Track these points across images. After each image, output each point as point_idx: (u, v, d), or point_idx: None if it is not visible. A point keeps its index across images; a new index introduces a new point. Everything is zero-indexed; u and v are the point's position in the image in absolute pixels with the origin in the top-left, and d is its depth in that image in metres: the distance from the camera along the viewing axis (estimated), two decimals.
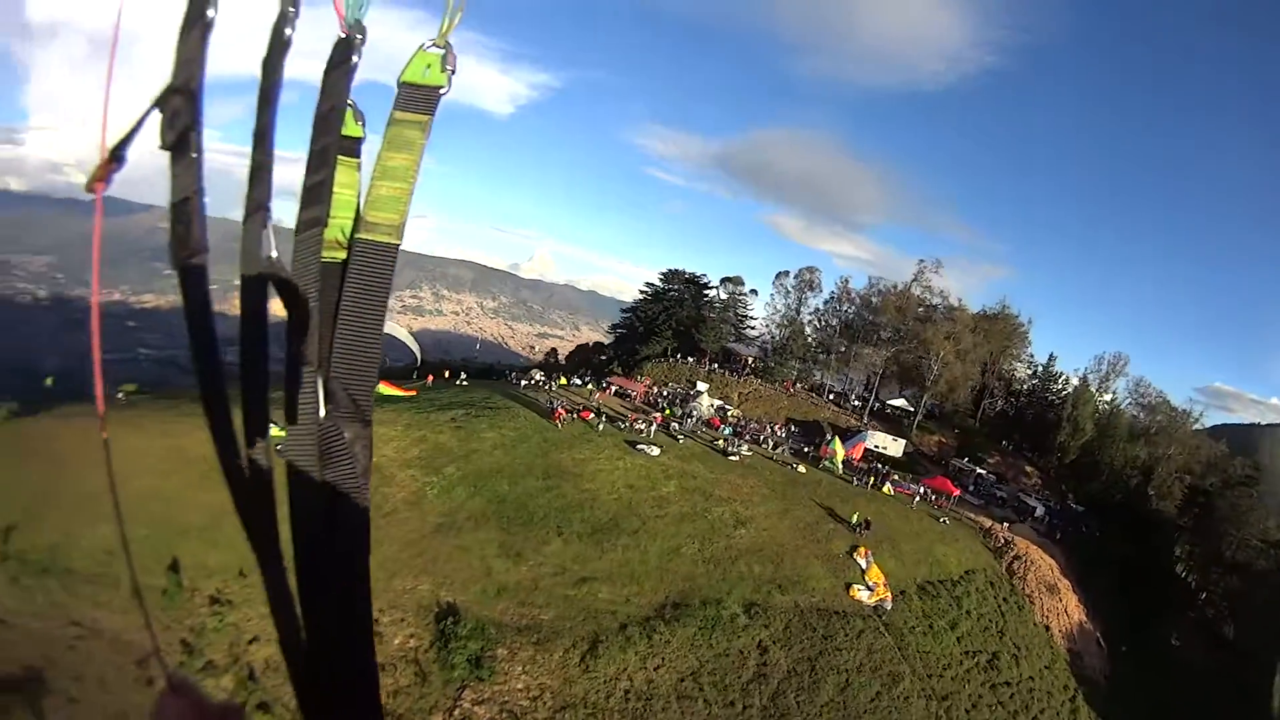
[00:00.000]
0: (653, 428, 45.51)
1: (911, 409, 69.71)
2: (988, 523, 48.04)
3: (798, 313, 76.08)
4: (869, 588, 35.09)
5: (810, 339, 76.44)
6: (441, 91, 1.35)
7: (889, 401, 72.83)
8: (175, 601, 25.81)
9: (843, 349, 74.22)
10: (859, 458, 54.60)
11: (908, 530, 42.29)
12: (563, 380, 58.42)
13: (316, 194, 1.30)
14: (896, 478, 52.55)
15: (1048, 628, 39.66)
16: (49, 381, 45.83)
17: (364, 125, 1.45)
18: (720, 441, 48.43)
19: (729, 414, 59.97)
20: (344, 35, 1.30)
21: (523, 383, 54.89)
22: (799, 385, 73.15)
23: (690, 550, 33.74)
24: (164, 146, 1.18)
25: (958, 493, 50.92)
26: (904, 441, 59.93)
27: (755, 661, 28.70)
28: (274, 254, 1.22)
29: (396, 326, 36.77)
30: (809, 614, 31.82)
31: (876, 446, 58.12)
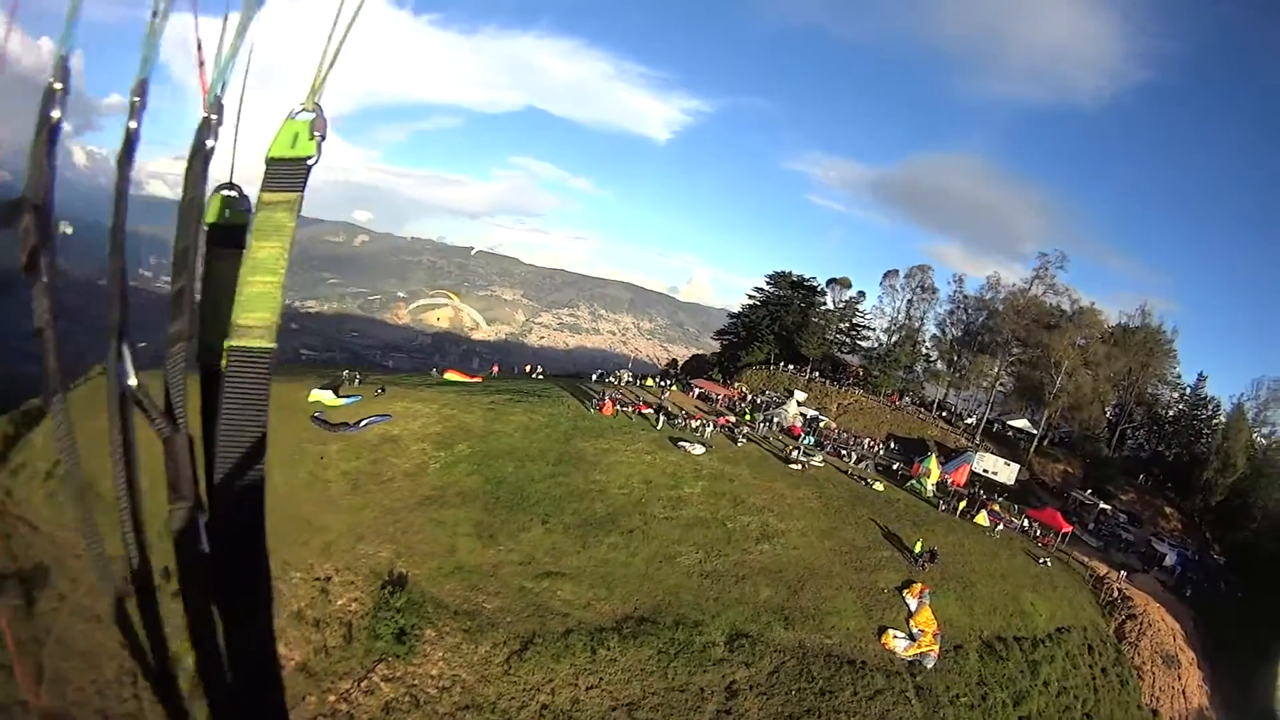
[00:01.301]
0: (709, 428, 38.96)
1: (1035, 432, 55.38)
2: (1102, 569, 35.25)
3: (907, 316, 63.82)
4: (910, 636, 25.41)
5: (921, 347, 63.71)
6: (310, 162, 1.11)
7: (1009, 422, 58.33)
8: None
9: (958, 360, 61.00)
10: (961, 482, 42.90)
11: (990, 570, 31.10)
12: (649, 381, 52.87)
13: (178, 305, 1.15)
14: (998, 507, 40.49)
15: (1155, 712, 28.02)
16: (142, 345, 52.54)
17: (249, 209, 1.24)
18: (790, 449, 40.28)
19: (821, 424, 50.70)
20: (204, 115, 1.16)
21: (594, 377, 50.23)
22: (906, 399, 60.87)
23: (689, 560, 26.89)
24: (23, 269, 1.13)
25: (1068, 529, 38.00)
26: (1018, 467, 46.81)
27: (716, 706, 20.90)
28: (133, 383, 1.21)
29: (470, 309, 36.11)
30: (813, 658, 23.21)
31: (985, 471, 45.75)
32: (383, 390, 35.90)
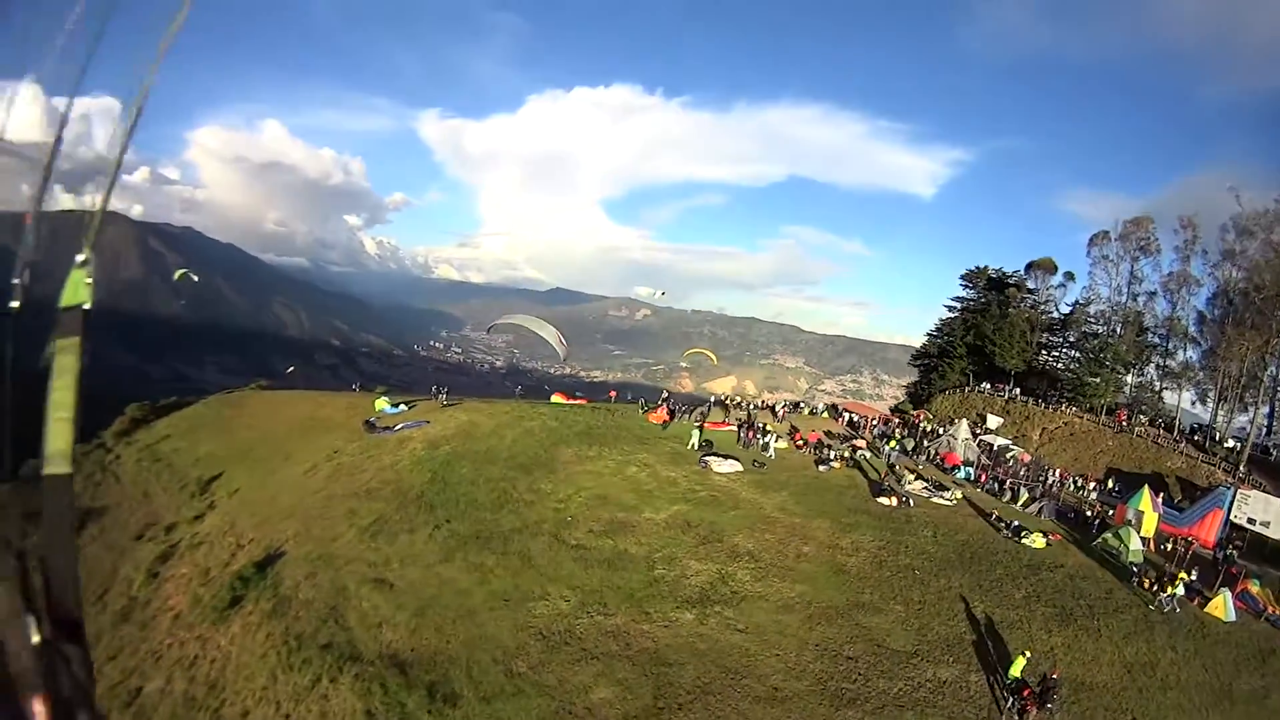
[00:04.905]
0: (772, 443, 24.31)
1: None
2: None
3: (1130, 296, 35.76)
4: None
5: (1152, 335, 35.08)
6: (85, 308, 1.11)
7: None
8: (193, 500, 26.61)
9: (1210, 344, 32.65)
10: (1209, 540, 18.48)
11: None
12: (806, 411, 38.57)
13: None
14: (1255, 588, 15.64)
15: None
16: (290, 370, 58.02)
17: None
18: (887, 478, 22.70)
19: (1010, 455, 29.74)
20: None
21: (710, 400, 37.56)
22: (1141, 418, 33.16)
23: (548, 609, 14.65)
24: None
25: None
26: None
27: None
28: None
29: (545, 325, 31.27)
30: None
31: (1251, 521, 20.26)
32: (451, 404, 32.87)
